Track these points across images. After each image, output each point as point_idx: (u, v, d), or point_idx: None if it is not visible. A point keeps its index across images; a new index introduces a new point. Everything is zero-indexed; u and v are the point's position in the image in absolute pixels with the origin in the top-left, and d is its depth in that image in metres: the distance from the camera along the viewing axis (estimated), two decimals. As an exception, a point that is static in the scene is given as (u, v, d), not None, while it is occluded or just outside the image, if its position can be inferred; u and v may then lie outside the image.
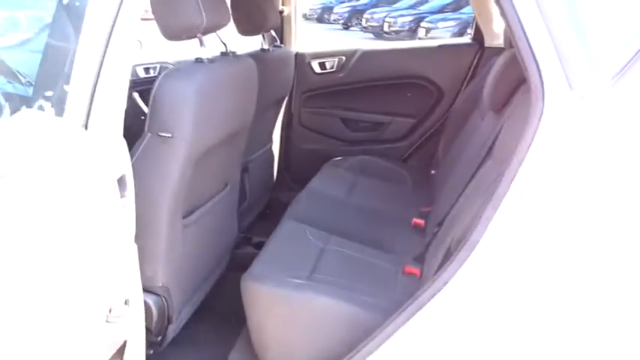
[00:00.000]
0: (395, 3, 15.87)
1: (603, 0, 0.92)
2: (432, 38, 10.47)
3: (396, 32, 12.63)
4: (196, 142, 1.32)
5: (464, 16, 10.82)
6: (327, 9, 18.65)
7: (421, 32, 11.47)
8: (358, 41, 11.21)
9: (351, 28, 15.93)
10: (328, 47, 2.54)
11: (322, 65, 2.51)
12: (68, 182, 0.92)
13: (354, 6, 17.21)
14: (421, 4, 14.27)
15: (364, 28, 14.57)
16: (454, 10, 12.04)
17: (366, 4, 16.70)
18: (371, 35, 13.99)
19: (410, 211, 1.86)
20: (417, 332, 1.01)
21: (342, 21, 16.94)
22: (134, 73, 2.15)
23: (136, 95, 1.93)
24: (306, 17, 19.36)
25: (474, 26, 2.45)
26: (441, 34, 10.70)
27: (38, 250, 0.87)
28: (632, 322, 0.92)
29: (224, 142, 1.52)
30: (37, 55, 1.01)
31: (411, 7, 14.32)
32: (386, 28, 13.17)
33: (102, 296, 1.03)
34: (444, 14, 12.02)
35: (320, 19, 18.86)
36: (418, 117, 2.51)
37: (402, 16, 13.02)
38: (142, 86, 1.91)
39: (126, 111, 1.08)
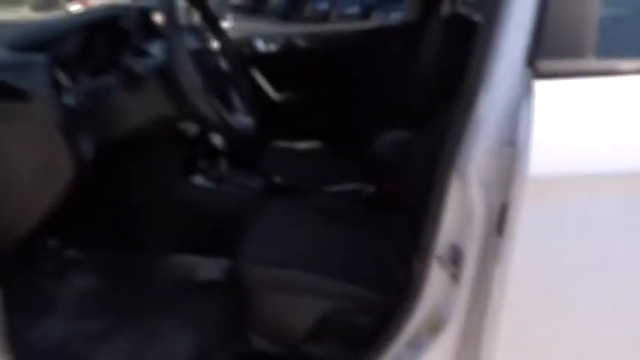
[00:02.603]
0: None
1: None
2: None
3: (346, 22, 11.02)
4: None
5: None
6: None
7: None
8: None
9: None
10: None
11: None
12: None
13: None
14: None
15: (305, 19, 12.77)
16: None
17: None
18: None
19: None
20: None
21: (278, 11, 14.72)
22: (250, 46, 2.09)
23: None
24: (235, 8, 17.54)
25: None
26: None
27: None
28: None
29: None
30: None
31: None
32: (333, 20, 11.47)
33: None
34: (395, 3, 10.34)
35: (253, 10, 16.61)
36: None
37: (351, 4, 11.16)
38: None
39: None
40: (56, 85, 1.02)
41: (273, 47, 2.19)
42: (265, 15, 15.89)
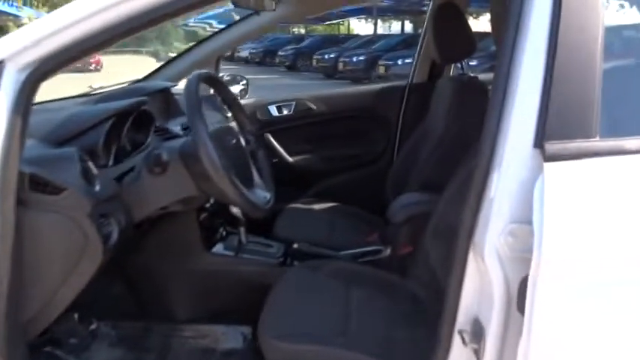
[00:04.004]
0: (340, 44, 15.88)
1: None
2: (394, 75, 10.65)
3: (351, 71, 12.59)
4: None
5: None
6: (270, 52, 18.62)
7: (381, 69, 11.48)
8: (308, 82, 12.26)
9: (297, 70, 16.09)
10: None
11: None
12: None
13: (298, 48, 17.20)
14: (370, 44, 14.30)
15: (315, 68, 14.65)
16: (405, 48, 11.91)
17: (309, 46, 16.76)
18: (321, 76, 14.08)
19: None
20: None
21: (287, 63, 16.86)
22: (266, 112, 2.24)
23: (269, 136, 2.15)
24: (247, 61, 18.52)
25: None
26: (403, 70, 10.62)
27: None
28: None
29: None
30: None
31: (360, 46, 14.32)
32: (340, 68, 13.16)
33: None
34: (399, 51, 12.00)
35: (262, 62, 18.81)
36: None
37: (356, 55, 13.03)
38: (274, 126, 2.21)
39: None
40: (86, 175, 1.08)
41: (286, 112, 2.27)
42: (274, 66, 16.35)
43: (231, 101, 1.43)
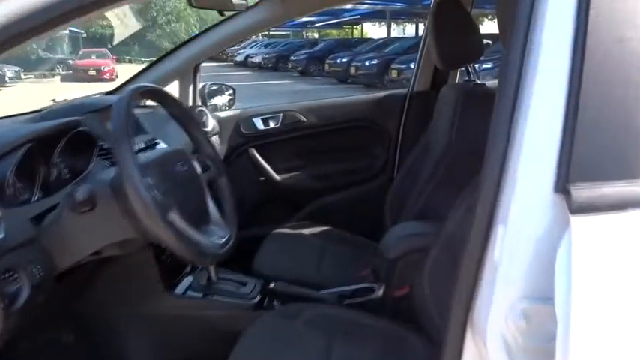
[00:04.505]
0: (353, 47, 15.61)
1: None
2: (406, 79, 10.20)
3: (364, 75, 12.34)
4: None
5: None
6: (282, 57, 18.43)
7: (393, 73, 11.23)
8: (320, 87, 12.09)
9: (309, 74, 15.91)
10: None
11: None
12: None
13: (311, 52, 16.97)
14: (383, 47, 14.07)
15: (327, 73, 14.44)
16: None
17: (321, 51, 16.53)
18: (334, 80, 13.86)
19: None
20: None
21: (299, 68, 16.58)
22: (251, 125, 1.99)
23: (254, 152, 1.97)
24: (260, 66, 18.19)
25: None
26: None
27: None
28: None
29: None
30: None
31: (373, 50, 14.04)
32: (353, 72, 12.93)
33: None
34: (411, 55, 11.47)
35: (275, 68, 18.60)
36: None
37: (368, 59, 12.77)
38: (260, 140, 1.98)
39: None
40: None
41: (272, 124, 2.03)
42: (287, 71, 16.44)
43: (183, 118, 1.20)
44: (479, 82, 1.59)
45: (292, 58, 17.37)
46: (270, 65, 18.94)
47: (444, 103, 1.54)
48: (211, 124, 1.85)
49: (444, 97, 1.57)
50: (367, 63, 12.65)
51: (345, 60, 13.66)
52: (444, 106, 1.53)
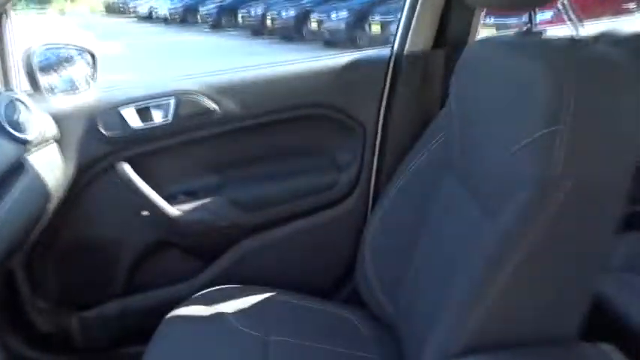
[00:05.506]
0: None
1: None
2: (326, 30, 10.09)
3: (281, 28, 11.68)
4: None
5: (355, 6, 10.09)
6: (190, 10, 16.90)
7: (313, 25, 10.62)
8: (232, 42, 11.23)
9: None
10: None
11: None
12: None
13: (221, 3, 15.60)
14: None
15: (241, 26, 13.62)
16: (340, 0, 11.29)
17: (233, 1, 15.20)
18: (248, 33, 13.04)
19: None
20: None
21: (210, 21, 15.43)
22: (118, 122, 1.23)
23: (124, 169, 1.23)
24: (166, 20, 16.91)
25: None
26: (336, 25, 10.02)
27: None
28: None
29: None
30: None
31: None
32: (269, 24, 12.23)
33: None
34: (332, 4, 10.96)
35: (183, 21, 17.09)
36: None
37: (284, 9, 11.98)
38: (136, 147, 1.25)
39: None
40: None
41: (158, 118, 1.27)
42: (197, 25, 15.56)
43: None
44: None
45: (202, 9, 16.14)
46: (177, 19, 17.42)
47: (484, 73, 0.89)
48: (38, 124, 1.09)
49: (479, 62, 0.92)
50: (283, 14, 12.03)
51: (259, 11, 12.90)
52: (484, 78, 0.88)
